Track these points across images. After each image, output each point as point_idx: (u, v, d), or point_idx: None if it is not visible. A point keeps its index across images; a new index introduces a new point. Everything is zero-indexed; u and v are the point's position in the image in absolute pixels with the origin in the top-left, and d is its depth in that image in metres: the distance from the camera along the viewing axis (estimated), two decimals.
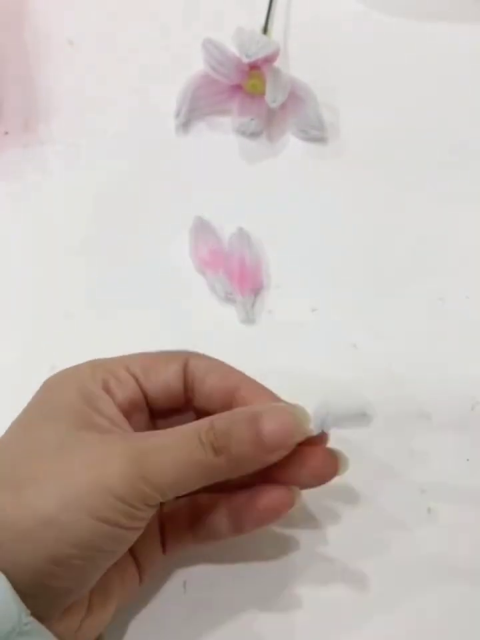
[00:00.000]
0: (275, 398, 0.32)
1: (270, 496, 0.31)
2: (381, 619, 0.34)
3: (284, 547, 0.35)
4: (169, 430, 0.29)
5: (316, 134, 0.47)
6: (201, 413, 0.32)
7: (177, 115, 0.48)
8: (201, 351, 0.37)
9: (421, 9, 0.52)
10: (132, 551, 0.31)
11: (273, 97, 0.45)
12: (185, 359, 0.32)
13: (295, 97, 0.46)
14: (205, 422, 0.29)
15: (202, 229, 0.44)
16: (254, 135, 0.47)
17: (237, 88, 0.47)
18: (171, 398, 0.32)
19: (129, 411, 0.31)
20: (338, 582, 0.34)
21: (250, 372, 0.34)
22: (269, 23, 0.50)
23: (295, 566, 0.35)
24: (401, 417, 0.38)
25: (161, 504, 0.29)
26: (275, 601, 0.34)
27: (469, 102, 0.48)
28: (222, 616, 0.34)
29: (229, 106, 0.48)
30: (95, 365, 0.32)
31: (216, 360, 0.33)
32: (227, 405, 0.31)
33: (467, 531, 0.35)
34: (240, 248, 0.43)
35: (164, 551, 0.33)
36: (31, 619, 0.25)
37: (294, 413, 0.30)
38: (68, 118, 0.49)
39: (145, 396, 0.32)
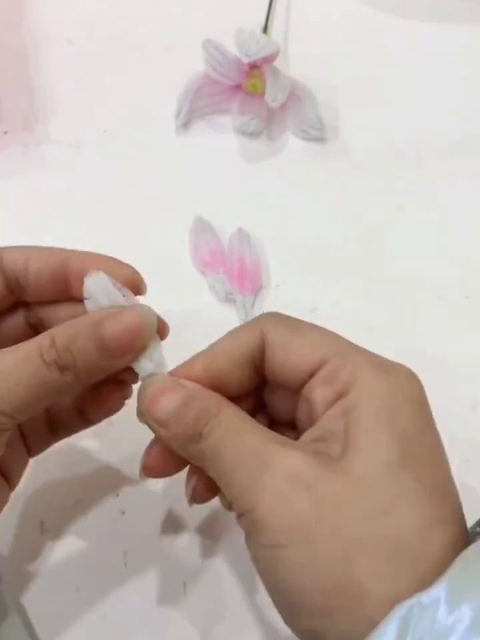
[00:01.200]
0: (109, 260, 0.30)
1: (109, 388, 0.30)
2: None
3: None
4: (9, 350, 0.27)
5: (315, 133, 0.47)
6: (34, 306, 0.31)
7: (178, 114, 0.48)
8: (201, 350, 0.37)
9: (422, 9, 0.52)
10: None
11: (272, 96, 0.45)
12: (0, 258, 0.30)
13: (295, 97, 0.47)
14: (45, 338, 0.27)
15: (202, 229, 0.44)
16: (254, 134, 0.47)
17: (237, 88, 0.47)
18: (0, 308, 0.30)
19: None
20: None
21: None
22: (269, 23, 0.50)
23: None
24: None
25: None
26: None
27: (468, 101, 0.48)
28: (222, 616, 0.34)
29: (229, 106, 0.48)
30: None
31: (30, 246, 0.31)
32: (60, 282, 0.30)
33: None
34: (240, 248, 0.43)
35: (29, 454, 0.32)
36: None
37: (139, 312, 0.28)
38: (67, 118, 0.49)
39: None
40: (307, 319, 0.40)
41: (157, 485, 0.37)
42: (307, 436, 0.28)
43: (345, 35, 0.51)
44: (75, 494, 0.36)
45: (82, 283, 0.29)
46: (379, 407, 0.26)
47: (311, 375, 0.28)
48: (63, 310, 0.31)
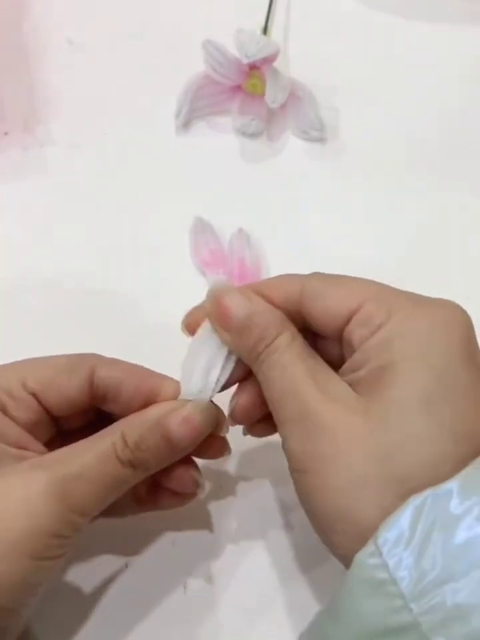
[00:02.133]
0: (131, 371, 0.31)
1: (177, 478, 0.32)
2: None
3: (284, 548, 0.35)
4: (83, 448, 0.29)
5: (315, 134, 0.47)
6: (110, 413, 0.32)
7: (178, 115, 0.48)
8: None
9: (422, 10, 0.52)
10: None
11: (272, 97, 0.45)
12: (90, 369, 0.31)
13: (295, 97, 0.47)
14: (117, 438, 0.28)
15: (202, 229, 0.44)
16: (254, 135, 0.48)
17: (237, 88, 0.47)
18: (76, 409, 0.31)
19: (33, 430, 0.30)
20: (337, 581, 0.34)
21: None
22: (269, 23, 0.50)
23: (295, 567, 0.35)
24: None
25: None
26: (275, 602, 0.34)
27: (468, 102, 0.48)
28: (222, 616, 0.34)
29: (229, 106, 0.48)
30: None
31: (123, 363, 0.32)
32: (148, 404, 0.31)
33: None
34: (240, 248, 0.43)
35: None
36: None
37: (197, 406, 0.30)
38: (68, 119, 0.49)
39: (47, 411, 0.31)
40: None
41: None
42: (343, 372, 0.29)
43: (345, 36, 0.51)
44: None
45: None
46: (408, 342, 0.27)
47: (348, 320, 0.29)
48: None
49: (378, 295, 0.29)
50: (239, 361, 0.31)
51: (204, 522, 0.36)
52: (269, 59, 0.45)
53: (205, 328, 0.31)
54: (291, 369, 0.28)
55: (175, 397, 0.31)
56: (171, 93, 0.48)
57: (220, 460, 0.37)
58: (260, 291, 0.30)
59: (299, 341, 0.29)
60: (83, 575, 0.35)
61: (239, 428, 0.37)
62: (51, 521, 0.27)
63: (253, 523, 0.36)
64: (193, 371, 0.31)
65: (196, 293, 0.42)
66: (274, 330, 0.29)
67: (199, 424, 0.29)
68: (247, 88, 0.47)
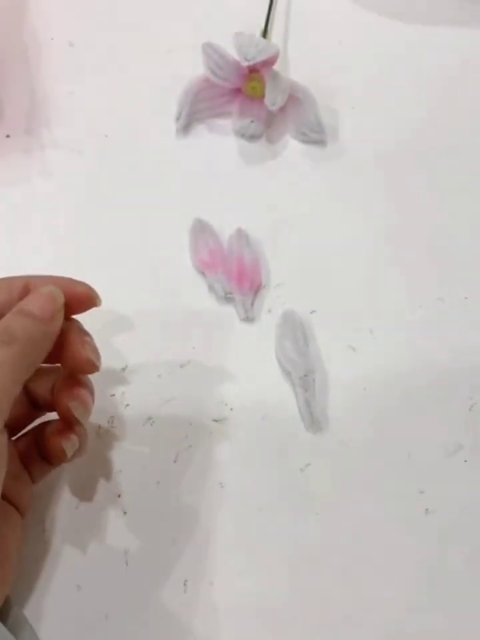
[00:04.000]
0: (65, 279, 0.34)
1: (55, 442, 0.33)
2: (380, 619, 0.34)
3: (283, 547, 0.35)
4: None
5: (315, 136, 0.47)
6: None
7: (178, 118, 0.48)
8: (202, 350, 0.38)
9: (421, 12, 0.52)
10: (7, 498, 0.33)
11: (272, 99, 0.45)
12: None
13: (294, 100, 0.47)
14: None
15: (201, 230, 0.44)
16: (253, 137, 0.48)
17: (237, 91, 0.48)
18: None
19: None
20: (337, 582, 0.35)
21: (251, 369, 0.36)
22: (269, 26, 0.50)
23: (294, 566, 0.35)
24: (400, 418, 0.38)
25: (15, 441, 0.34)
26: (275, 602, 0.34)
27: (468, 104, 0.48)
28: (222, 616, 0.34)
29: (228, 109, 0.48)
30: None
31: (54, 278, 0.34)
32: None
33: (465, 532, 0.35)
34: (239, 248, 0.43)
35: (33, 482, 0.35)
36: None
37: (48, 289, 0.33)
38: (69, 121, 0.49)
39: None
40: (306, 320, 0.41)
41: (158, 485, 0.37)
42: None
43: (345, 38, 0.51)
44: (76, 494, 0.37)
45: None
46: None
47: None
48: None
49: None
50: None
51: (204, 522, 0.36)
52: (269, 62, 0.45)
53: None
54: None
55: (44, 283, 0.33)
56: (171, 96, 0.48)
57: (220, 460, 0.37)
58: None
59: None
60: (82, 574, 0.35)
61: (236, 428, 0.38)
62: None
63: (253, 523, 0.36)
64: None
65: (196, 293, 0.42)
66: None
67: (53, 295, 0.32)
68: (247, 90, 0.47)
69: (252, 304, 0.42)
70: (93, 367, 0.33)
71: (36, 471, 0.35)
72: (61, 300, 0.33)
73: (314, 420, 0.38)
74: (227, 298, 0.42)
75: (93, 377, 0.34)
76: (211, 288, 0.42)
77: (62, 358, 0.33)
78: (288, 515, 0.36)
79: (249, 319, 0.41)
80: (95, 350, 0.34)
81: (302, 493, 0.36)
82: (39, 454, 0.34)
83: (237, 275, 0.42)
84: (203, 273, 0.43)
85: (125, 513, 0.36)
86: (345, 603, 0.34)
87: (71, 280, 0.34)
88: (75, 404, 0.33)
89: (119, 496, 0.37)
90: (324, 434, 0.38)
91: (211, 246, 0.44)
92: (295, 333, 0.40)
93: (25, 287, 0.33)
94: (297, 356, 0.39)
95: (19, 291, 0.33)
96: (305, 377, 0.38)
